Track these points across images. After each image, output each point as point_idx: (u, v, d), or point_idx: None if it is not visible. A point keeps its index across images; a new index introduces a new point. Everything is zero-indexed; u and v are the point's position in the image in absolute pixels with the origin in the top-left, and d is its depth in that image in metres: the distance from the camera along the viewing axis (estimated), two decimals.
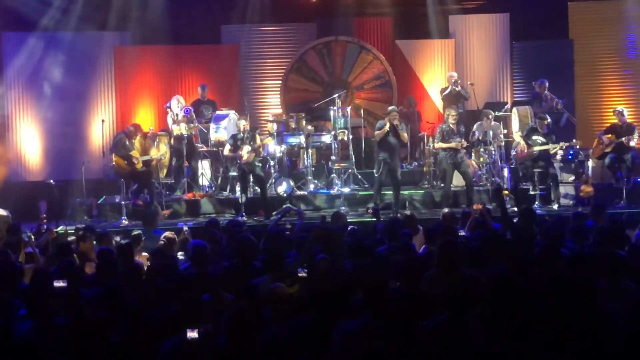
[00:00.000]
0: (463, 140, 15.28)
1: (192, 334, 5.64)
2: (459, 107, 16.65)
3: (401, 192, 15.47)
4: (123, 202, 15.34)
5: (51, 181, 16.63)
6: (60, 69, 18.03)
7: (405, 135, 15.20)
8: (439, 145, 15.37)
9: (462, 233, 10.18)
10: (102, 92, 18.83)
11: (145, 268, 9.20)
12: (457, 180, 15.74)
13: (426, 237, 9.71)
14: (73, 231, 13.21)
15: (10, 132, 18.47)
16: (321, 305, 6.53)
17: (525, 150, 15.51)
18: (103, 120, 17.37)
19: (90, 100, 18.71)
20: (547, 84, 17.26)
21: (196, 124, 16.54)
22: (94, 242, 10.62)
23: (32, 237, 11.04)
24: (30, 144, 18.51)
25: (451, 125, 15.23)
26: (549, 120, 15.68)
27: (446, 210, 12.37)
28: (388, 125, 14.88)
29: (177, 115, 16.43)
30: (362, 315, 6.11)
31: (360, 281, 7.02)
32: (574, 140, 15.81)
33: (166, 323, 6.27)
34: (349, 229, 10.86)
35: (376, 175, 15.17)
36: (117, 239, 11.28)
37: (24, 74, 18.39)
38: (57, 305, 6.81)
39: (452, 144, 15.14)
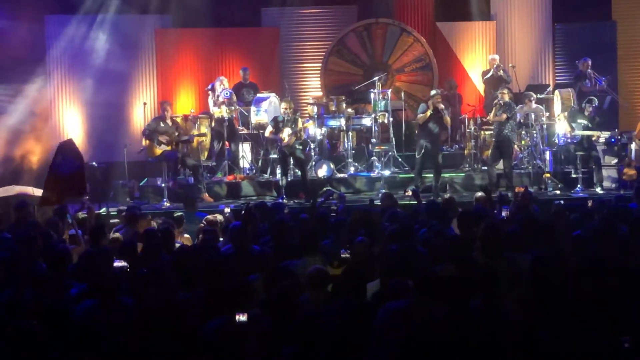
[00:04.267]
0: (504, 115, 15.16)
1: (242, 317, 5.65)
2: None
3: (442, 175, 15.44)
4: (164, 184, 15.44)
5: (94, 163, 16.77)
6: (102, 52, 18.14)
7: (447, 119, 15.19)
8: (489, 118, 15.45)
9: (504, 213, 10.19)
10: (144, 75, 18.96)
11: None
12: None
13: (458, 222, 9.54)
14: (115, 213, 13.37)
15: (53, 114, 18.64)
16: (358, 288, 6.53)
17: (569, 134, 15.40)
18: (145, 103, 17.50)
19: (132, 82, 18.85)
20: (590, 62, 17.09)
21: (237, 107, 16.57)
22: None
23: (80, 216, 11.12)
24: (72, 126, 18.67)
25: (500, 102, 15.22)
26: (596, 103, 15.56)
27: (479, 193, 12.32)
28: (432, 108, 14.86)
29: (218, 96, 16.49)
30: (407, 296, 6.12)
31: (401, 264, 7.02)
32: (616, 131, 15.76)
33: (209, 305, 6.32)
34: (388, 211, 10.83)
35: (417, 157, 15.17)
36: (159, 221, 11.36)
37: (67, 57, 18.56)
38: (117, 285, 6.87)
39: (502, 117, 15.11)
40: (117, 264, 7.42)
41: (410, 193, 12.66)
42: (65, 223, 10.99)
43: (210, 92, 16.93)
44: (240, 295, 6.20)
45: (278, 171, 15.71)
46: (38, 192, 14.29)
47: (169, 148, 15.36)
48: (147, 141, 15.37)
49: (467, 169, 16.73)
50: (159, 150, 15.30)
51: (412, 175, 15.69)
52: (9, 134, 17.18)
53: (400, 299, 6.18)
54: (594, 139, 15.37)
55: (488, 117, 15.67)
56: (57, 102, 18.70)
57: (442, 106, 14.95)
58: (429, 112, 14.89)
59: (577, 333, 5.51)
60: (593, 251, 7.49)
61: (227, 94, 16.33)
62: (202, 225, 10.57)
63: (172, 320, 6.04)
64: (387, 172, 16.19)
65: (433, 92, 15.44)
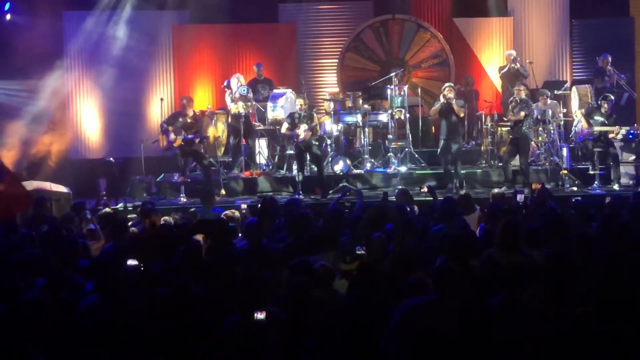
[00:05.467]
0: (522, 113, 15.11)
1: (260, 315, 5.63)
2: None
3: (460, 171, 15.43)
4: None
5: (111, 159, 16.84)
6: (119, 48, 18.19)
7: (458, 109, 15.11)
8: (510, 117, 15.43)
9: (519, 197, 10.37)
10: (161, 71, 19.01)
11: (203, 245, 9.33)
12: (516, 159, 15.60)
13: (487, 217, 9.62)
14: (131, 208, 13.41)
15: (70, 110, 18.72)
16: (373, 283, 6.53)
17: (586, 130, 15.35)
18: (162, 99, 17.52)
19: (149, 78, 18.92)
20: (610, 59, 17.04)
21: (253, 103, 16.57)
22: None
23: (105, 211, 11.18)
24: (90, 122, 18.77)
25: (517, 99, 15.18)
26: (613, 100, 15.50)
27: (495, 190, 12.38)
28: (442, 100, 14.93)
29: (235, 93, 16.48)
30: (426, 293, 6.11)
31: (416, 259, 7.02)
32: (635, 125, 15.66)
33: (225, 301, 6.32)
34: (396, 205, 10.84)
35: (438, 154, 15.25)
36: (176, 216, 11.39)
37: (84, 53, 18.63)
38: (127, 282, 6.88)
39: (520, 115, 15.05)
40: (130, 262, 7.43)
41: (425, 189, 12.66)
42: (83, 218, 11.03)
43: (226, 89, 16.95)
44: (255, 291, 6.20)
45: (294, 167, 15.72)
46: (55, 187, 14.39)
47: (176, 144, 15.36)
48: (163, 135, 15.40)
49: (484, 165, 16.68)
50: (177, 142, 15.34)
51: (429, 172, 15.75)
52: (27, 129, 17.24)
53: (418, 295, 6.18)
54: (611, 135, 15.31)
55: (509, 117, 15.45)
56: (74, 98, 18.78)
57: (450, 95, 14.97)
58: (438, 105, 15.00)
59: (593, 329, 5.50)
60: (608, 248, 7.46)
61: (243, 91, 16.32)
62: None
63: (187, 316, 6.05)
64: (403, 168, 16.17)
65: (445, 85, 15.50)
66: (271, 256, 7.78)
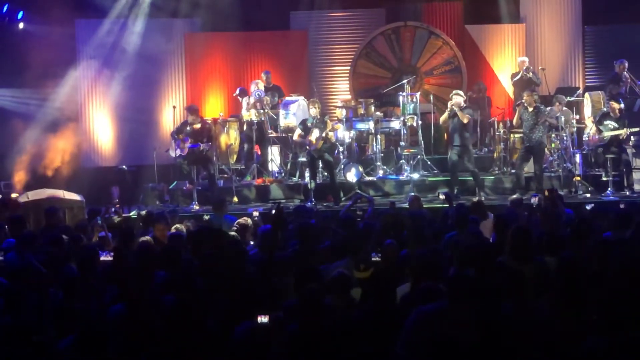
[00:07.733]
0: (545, 119, 15.08)
1: (263, 319, 5.64)
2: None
3: (479, 177, 15.43)
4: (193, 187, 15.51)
5: (123, 167, 16.88)
6: (131, 56, 18.23)
7: (462, 115, 15.04)
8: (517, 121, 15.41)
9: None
10: (173, 79, 19.06)
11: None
12: (529, 166, 15.55)
13: (495, 225, 9.51)
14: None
15: (83, 118, 18.77)
16: (387, 291, 6.52)
17: (597, 136, 15.30)
18: (174, 107, 17.59)
19: (162, 86, 18.97)
20: (626, 64, 16.94)
21: (266, 110, 16.58)
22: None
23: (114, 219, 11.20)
24: (102, 130, 18.80)
25: (528, 108, 15.13)
26: (622, 105, 15.44)
27: (514, 196, 12.36)
28: (450, 108, 15.00)
29: (250, 98, 16.45)
30: (439, 300, 6.10)
31: (424, 268, 7.00)
32: None
33: (236, 308, 6.32)
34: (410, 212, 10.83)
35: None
36: (189, 224, 11.39)
37: (97, 61, 18.66)
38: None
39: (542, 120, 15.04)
40: (104, 257, 7.42)
41: (443, 197, 12.66)
42: (95, 225, 11.05)
43: (239, 97, 16.97)
44: (266, 299, 6.21)
45: (307, 174, 15.72)
46: (68, 195, 14.41)
47: (185, 152, 15.42)
48: (174, 144, 15.47)
49: (497, 172, 16.64)
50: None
51: (440, 179, 15.73)
52: (39, 137, 17.30)
53: (431, 302, 6.16)
54: (621, 137, 15.23)
55: (549, 121, 15.25)
56: (87, 106, 18.84)
57: (452, 102, 15.11)
58: (446, 113, 15.13)
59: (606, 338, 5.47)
60: (623, 254, 7.42)
61: (258, 95, 16.33)
62: (234, 229, 10.54)
63: (196, 323, 6.05)
64: (416, 175, 16.15)
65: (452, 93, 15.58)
66: (283, 264, 7.76)
